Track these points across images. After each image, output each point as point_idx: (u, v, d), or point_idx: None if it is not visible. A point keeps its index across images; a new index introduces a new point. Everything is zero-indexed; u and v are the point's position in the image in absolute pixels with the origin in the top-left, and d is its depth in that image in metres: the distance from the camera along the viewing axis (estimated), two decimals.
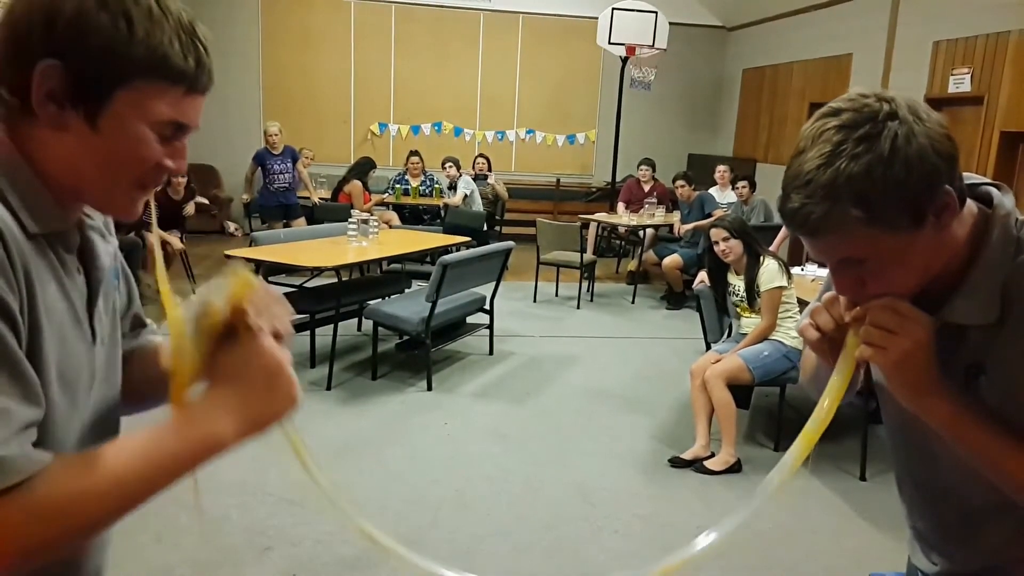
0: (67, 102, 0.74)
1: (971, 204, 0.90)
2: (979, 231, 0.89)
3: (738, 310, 3.95)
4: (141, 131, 0.77)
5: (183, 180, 5.71)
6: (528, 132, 10.23)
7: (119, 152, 0.77)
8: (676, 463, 3.61)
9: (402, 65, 9.80)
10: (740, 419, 3.76)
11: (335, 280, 4.78)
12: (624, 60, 8.49)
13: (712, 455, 3.60)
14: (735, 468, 3.56)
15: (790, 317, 3.78)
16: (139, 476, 0.75)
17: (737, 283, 3.88)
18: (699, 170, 8.87)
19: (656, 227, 7.43)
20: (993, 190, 0.92)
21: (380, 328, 4.64)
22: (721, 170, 7.60)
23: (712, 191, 7.49)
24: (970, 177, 0.92)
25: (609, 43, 8.23)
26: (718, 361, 3.70)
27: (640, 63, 8.60)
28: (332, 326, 4.61)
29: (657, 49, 8.27)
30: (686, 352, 5.21)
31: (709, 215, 6.56)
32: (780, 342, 3.73)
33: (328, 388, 4.37)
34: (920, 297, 0.88)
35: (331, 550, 2.77)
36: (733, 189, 7.24)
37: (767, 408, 4.26)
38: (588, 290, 6.94)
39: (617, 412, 4.28)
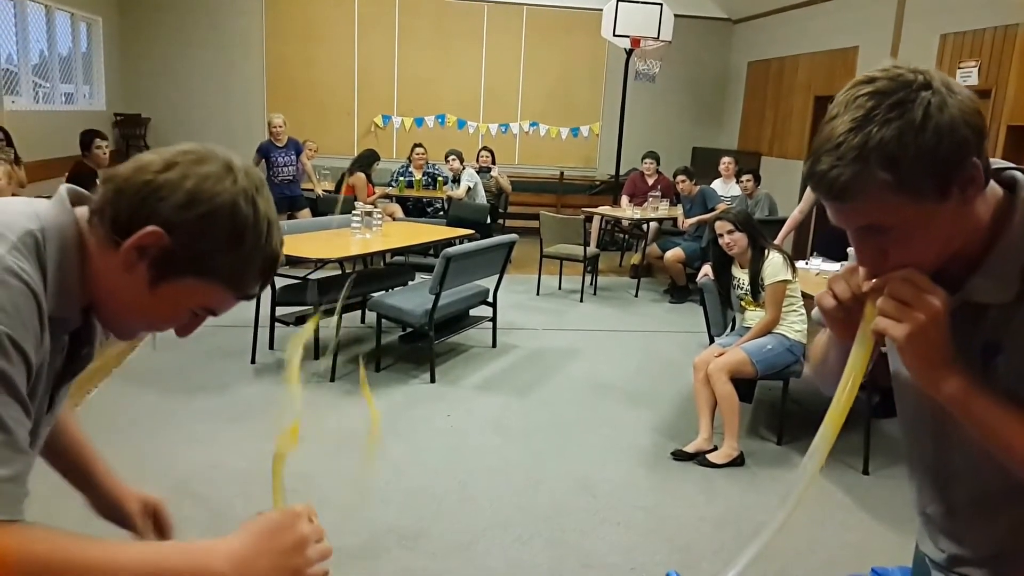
0: (146, 261, 0.83)
1: (995, 187, 0.91)
2: (1002, 213, 0.90)
3: (742, 303, 3.94)
4: (183, 308, 0.89)
5: None
6: (532, 125, 10.21)
7: (155, 310, 0.88)
8: (679, 456, 3.61)
9: (405, 57, 9.78)
10: (743, 413, 3.76)
11: (339, 272, 4.78)
12: (628, 52, 8.46)
13: (715, 448, 3.60)
14: (738, 461, 3.56)
15: (794, 311, 3.77)
16: (134, 569, 0.76)
17: (741, 276, 3.87)
18: (703, 163, 8.85)
19: (660, 220, 7.42)
20: (1018, 175, 0.93)
21: (384, 320, 4.64)
22: (726, 162, 7.58)
23: (716, 184, 7.47)
24: (996, 162, 0.93)
25: (614, 35, 8.20)
26: (721, 355, 3.70)
27: (644, 55, 8.57)
28: (336, 319, 4.61)
29: (662, 41, 8.24)
30: (689, 346, 5.22)
31: (712, 209, 6.55)
32: (784, 336, 3.73)
33: (332, 380, 4.38)
34: (940, 277, 0.89)
35: (335, 540, 2.75)
36: (737, 183, 7.23)
37: (770, 402, 4.26)
38: (591, 283, 6.94)
39: (619, 405, 4.28)
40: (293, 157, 7.12)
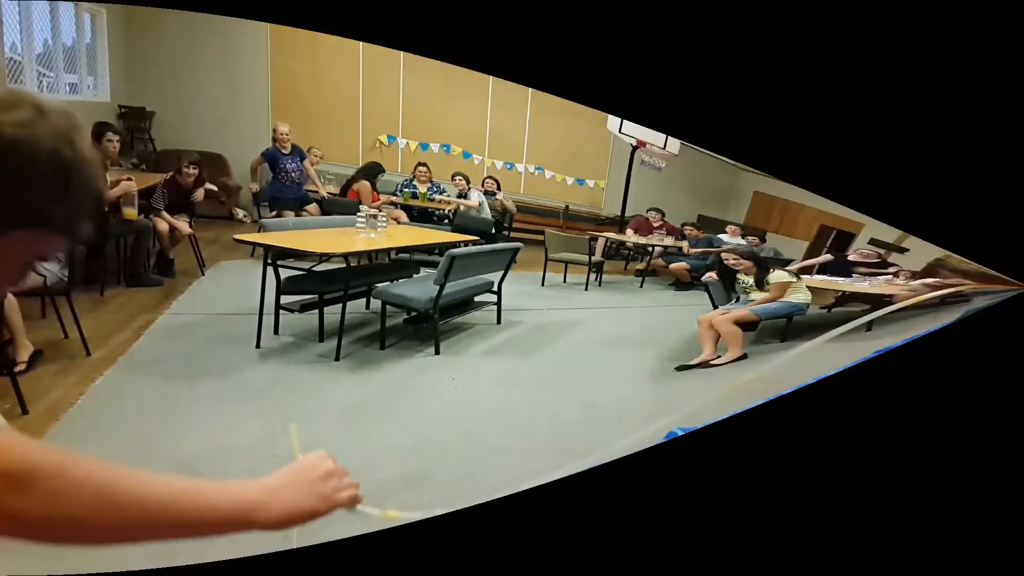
0: None
1: None
2: None
3: (747, 290, 4.01)
4: (16, 261, 0.80)
5: (194, 170, 5.80)
6: (537, 169, 10.25)
7: None
8: (683, 368, 3.60)
9: (411, 85, 9.74)
10: (746, 339, 3.76)
11: (343, 266, 4.77)
12: (633, 148, 8.57)
13: (718, 358, 3.59)
14: (742, 358, 3.55)
15: (798, 289, 3.83)
16: (175, 494, 0.76)
17: (747, 279, 3.95)
18: (709, 231, 8.88)
19: (664, 247, 7.52)
20: None
21: (388, 306, 4.63)
22: (732, 228, 7.78)
23: (722, 236, 7.62)
24: None
25: (620, 132, 8.31)
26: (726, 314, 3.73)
27: (651, 153, 8.66)
28: (340, 305, 4.60)
29: (668, 152, 8.32)
30: (695, 315, 5.20)
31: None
32: (789, 301, 3.77)
33: (336, 359, 4.34)
34: None
35: (336, 515, 2.72)
36: (743, 239, 7.40)
37: (773, 326, 4.23)
38: (596, 279, 6.95)
39: (625, 350, 4.26)
40: (299, 162, 7.23)
